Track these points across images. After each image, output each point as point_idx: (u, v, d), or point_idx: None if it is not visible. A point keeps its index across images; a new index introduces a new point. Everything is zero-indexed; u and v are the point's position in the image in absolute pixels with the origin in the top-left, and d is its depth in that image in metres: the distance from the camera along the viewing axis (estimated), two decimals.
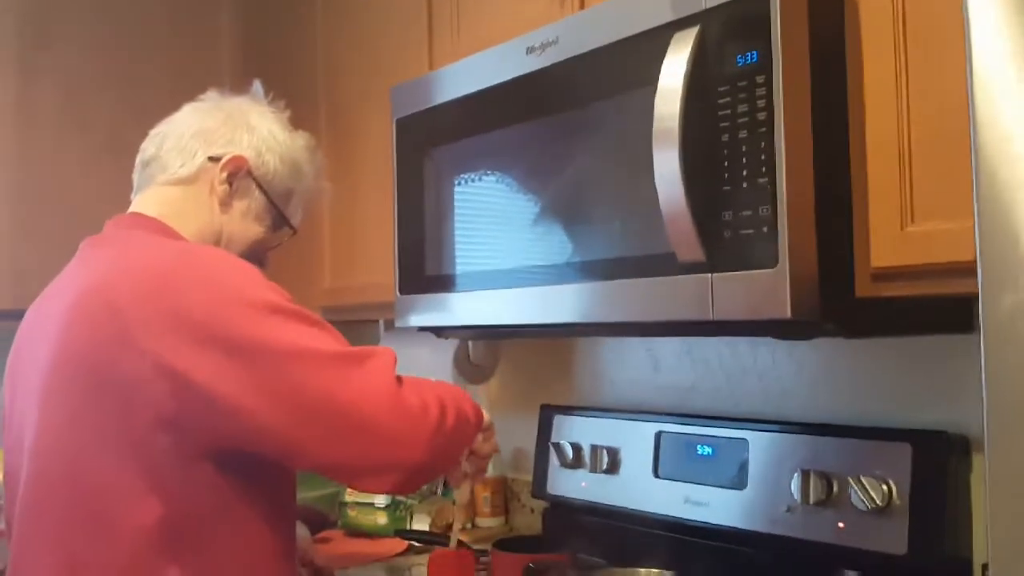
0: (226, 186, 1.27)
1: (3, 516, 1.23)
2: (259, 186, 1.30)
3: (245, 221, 1.30)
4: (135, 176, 1.31)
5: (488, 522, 2.01)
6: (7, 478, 1.20)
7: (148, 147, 1.30)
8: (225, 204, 1.27)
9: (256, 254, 1.35)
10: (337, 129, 2.02)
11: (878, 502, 1.30)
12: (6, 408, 1.22)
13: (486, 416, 1.27)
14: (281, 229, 1.36)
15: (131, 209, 1.28)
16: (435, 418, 1.07)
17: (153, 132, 1.31)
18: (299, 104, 2.04)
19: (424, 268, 1.58)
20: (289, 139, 1.35)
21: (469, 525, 2.00)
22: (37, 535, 1.10)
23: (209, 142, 1.27)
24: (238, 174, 1.28)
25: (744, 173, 1.07)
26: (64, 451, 1.07)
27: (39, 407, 1.11)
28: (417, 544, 1.88)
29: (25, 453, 1.12)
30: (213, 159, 1.26)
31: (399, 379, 1.08)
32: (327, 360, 1.03)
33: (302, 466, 1.10)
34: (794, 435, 1.45)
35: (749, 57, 1.06)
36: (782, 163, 1.04)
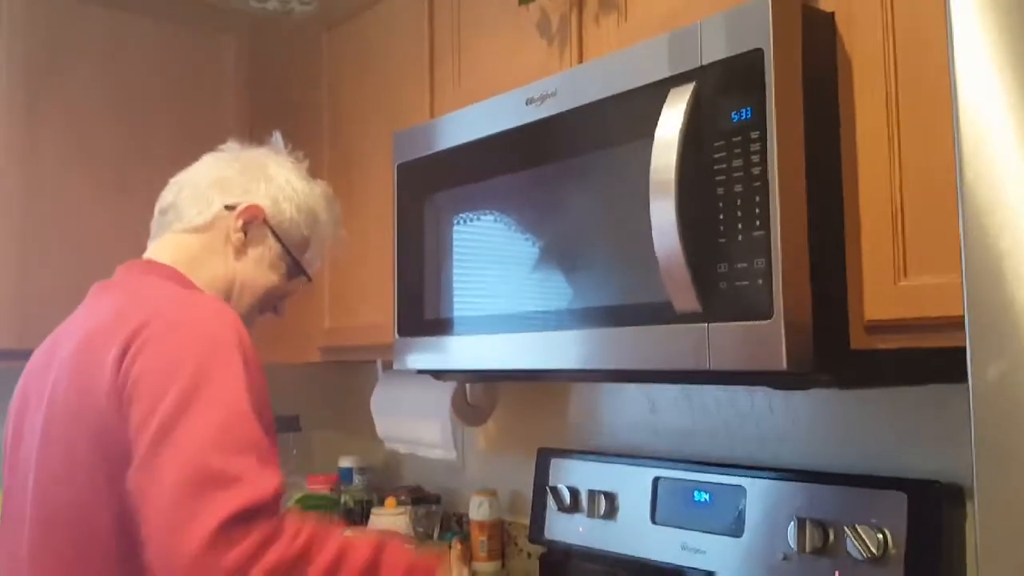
0: (241, 234, 1.28)
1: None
2: (275, 234, 1.31)
3: (259, 269, 1.30)
4: (152, 224, 1.32)
5: (485, 567, 2.00)
6: (6, 519, 1.20)
7: (167, 195, 1.31)
8: (240, 252, 1.28)
9: (270, 301, 1.35)
10: (339, 173, 2.05)
11: (874, 551, 1.30)
12: (9, 448, 1.23)
13: None
14: (296, 277, 1.37)
15: (145, 255, 1.29)
16: None
17: (172, 180, 1.32)
18: (303, 147, 2.08)
19: (423, 311, 1.60)
20: (307, 188, 1.36)
21: (466, 571, 1.99)
22: None
23: (225, 191, 1.29)
24: (254, 222, 1.29)
25: (739, 226, 1.09)
26: (65, 497, 1.08)
27: (38, 452, 1.12)
28: None
29: (29, 496, 1.12)
30: (229, 207, 1.28)
31: (251, 520, 0.93)
32: (192, 470, 0.95)
33: None
34: (791, 482, 1.46)
35: (744, 113, 1.09)
36: (776, 217, 1.05)
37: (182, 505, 0.94)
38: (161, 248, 1.28)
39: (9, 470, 1.22)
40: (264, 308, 1.35)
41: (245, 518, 0.94)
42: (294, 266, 1.34)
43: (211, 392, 1.01)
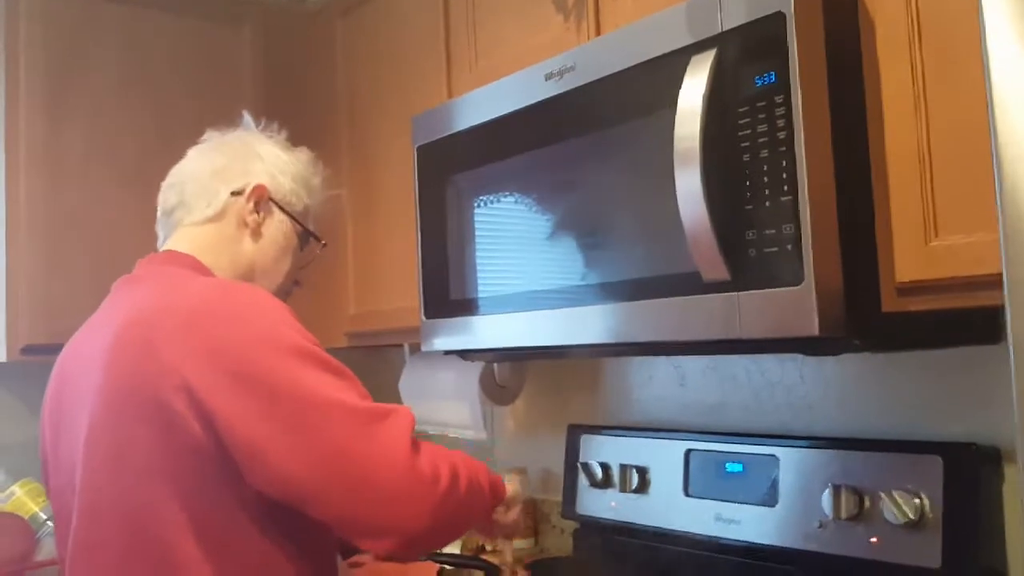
0: (256, 215, 1.30)
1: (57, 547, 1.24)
2: (281, 208, 1.33)
3: (275, 246, 1.33)
4: (158, 227, 1.34)
5: (518, 544, 2.00)
6: (56, 519, 1.21)
7: (169, 197, 1.32)
8: (256, 233, 1.30)
9: (292, 276, 1.37)
10: (359, 158, 2.05)
11: (911, 516, 1.30)
12: (48, 449, 1.24)
13: (509, 489, 1.29)
14: (307, 245, 1.38)
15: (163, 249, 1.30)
16: (444, 487, 1.08)
17: (168, 183, 1.33)
18: (322, 134, 2.09)
19: (449, 292, 1.60)
20: (293, 158, 1.38)
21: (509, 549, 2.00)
22: (95, 569, 1.11)
23: (227, 179, 1.30)
24: (262, 201, 1.31)
25: (766, 192, 1.08)
26: (113, 485, 1.09)
27: (85, 444, 1.12)
28: (449, 568, 1.89)
29: (76, 490, 1.13)
30: (236, 193, 1.29)
31: (415, 443, 1.08)
32: (350, 414, 1.05)
33: (315, 515, 1.07)
34: (824, 450, 1.45)
35: (767, 78, 1.08)
36: (804, 181, 1.04)
37: (366, 435, 1.04)
38: (177, 241, 1.29)
39: (53, 470, 1.23)
40: (288, 288, 1.37)
41: (413, 437, 1.09)
42: (305, 235, 1.37)
43: (313, 360, 1.08)
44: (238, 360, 1.05)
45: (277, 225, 1.33)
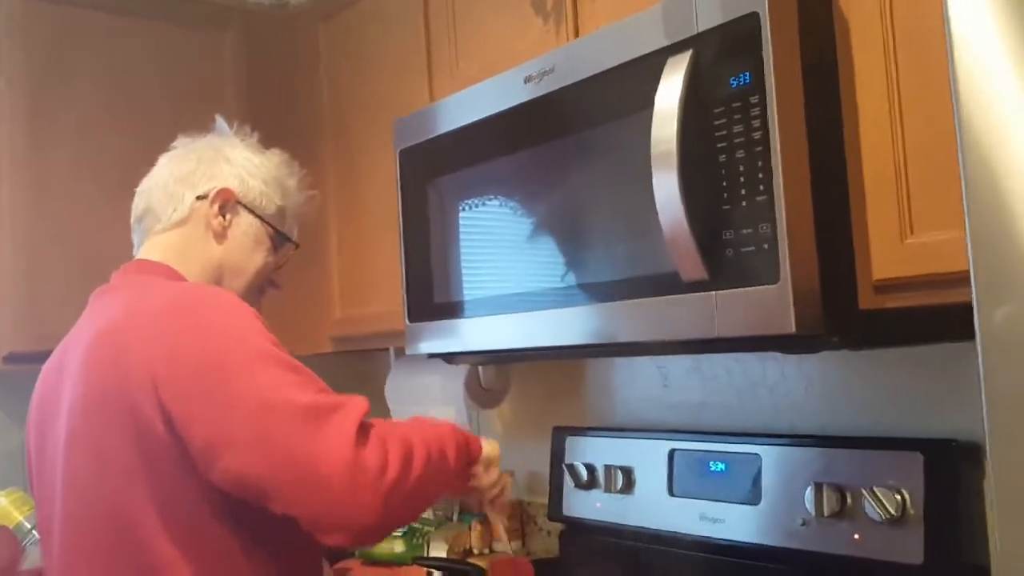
0: (220, 218, 1.30)
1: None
2: (250, 211, 1.33)
3: (244, 249, 1.33)
4: (133, 235, 1.35)
5: (503, 548, 2.01)
6: (41, 527, 1.22)
7: (139, 204, 1.33)
8: (221, 236, 1.30)
9: (264, 277, 1.37)
10: (343, 161, 2.05)
11: (892, 512, 1.31)
12: (33, 459, 1.24)
13: (486, 448, 1.27)
14: (282, 247, 1.38)
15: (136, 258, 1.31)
16: (393, 477, 1.05)
17: (138, 190, 1.35)
18: (306, 138, 2.09)
19: (432, 295, 1.60)
20: (265, 160, 1.38)
21: (487, 550, 2.00)
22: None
23: (192, 184, 1.31)
24: (228, 204, 1.31)
25: (743, 192, 1.09)
26: (94, 491, 1.10)
27: (65, 452, 1.13)
28: (436, 571, 1.89)
29: (58, 500, 1.14)
30: (201, 197, 1.30)
31: (366, 429, 1.07)
32: (297, 412, 1.04)
33: (276, 511, 1.06)
34: (806, 448, 1.46)
35: (742, 78, 1.08)
36: (779, 181, 1.05)
37: (310, 433, 1.03)
38: (148, 250, 1.30)
39: (37, 479, 1.24)
40: (262, 287, 1.37)
41: (363, 427, 1.06)
42: (278, 237, 1.37)
43: (267, 360, 1.08)
44: (198, 362, 1.05)
45: (245, 228, 1.33)
